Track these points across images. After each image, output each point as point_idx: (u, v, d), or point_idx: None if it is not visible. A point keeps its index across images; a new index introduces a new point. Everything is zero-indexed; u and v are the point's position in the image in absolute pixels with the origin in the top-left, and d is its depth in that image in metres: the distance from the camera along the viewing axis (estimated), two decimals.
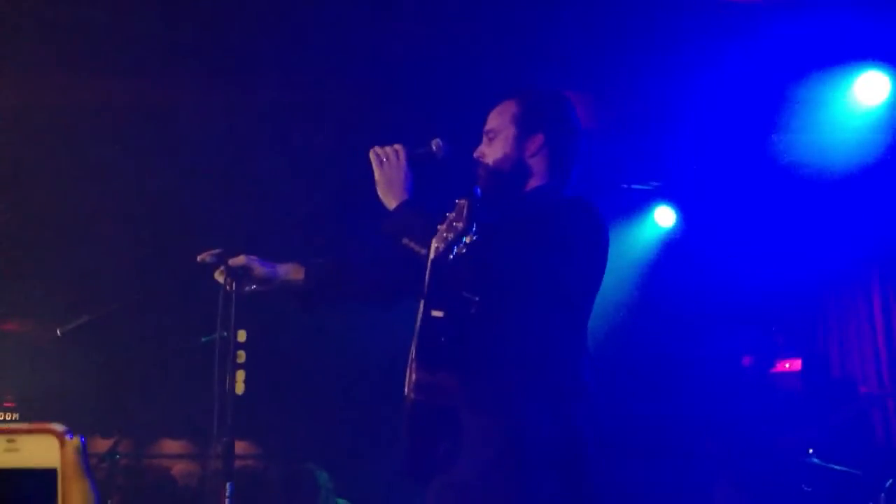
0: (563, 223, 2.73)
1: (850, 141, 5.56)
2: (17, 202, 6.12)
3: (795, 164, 5.79)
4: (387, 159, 2.84)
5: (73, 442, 0.79)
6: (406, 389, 2.73)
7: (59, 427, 0.82)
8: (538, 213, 2.79)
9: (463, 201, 2.33)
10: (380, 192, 2.83)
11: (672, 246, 6.89)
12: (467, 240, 2.31)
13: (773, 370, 6.59)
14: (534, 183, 2.93)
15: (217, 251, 2.96)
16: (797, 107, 5.44)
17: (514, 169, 2.91)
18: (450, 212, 2.37)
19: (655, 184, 6.86)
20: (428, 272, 2.50)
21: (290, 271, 3.03)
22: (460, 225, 2.31)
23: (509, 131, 2.93)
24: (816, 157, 5.67)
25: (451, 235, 2.34)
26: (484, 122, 3.02)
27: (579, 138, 3.00)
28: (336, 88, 5.37)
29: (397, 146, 2.87)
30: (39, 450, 0.79)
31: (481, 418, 2.64)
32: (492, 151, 2.94)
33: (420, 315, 2.61)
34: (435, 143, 2.94)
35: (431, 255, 2.43)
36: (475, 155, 2.98)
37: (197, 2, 4.70)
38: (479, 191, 2.37)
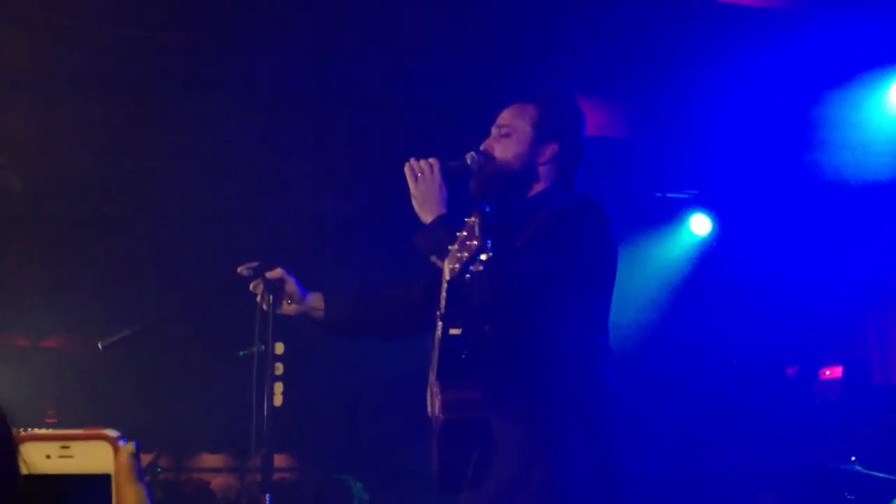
0: (570, 227, 2.75)
1: (886, 145, 5.51)
2: (54, 218, 6.19)
3: (831, 169, 5.74)
4: (422, 174, 2.83)
5: (127, 447, 0.81)
6: (430, 409, 2.75)
7: (112, 432, 0.83)
8: (545, 218, 2.80)
9: (473, 219, 2.30)
10: (415, 206, 2.82)
11: (708, 254, 6.85)
12: (483, 257, 2.27)
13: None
14: (539, 188, 2.94)
15: (254, 264, 2.99)
16: (833, 112, 5.39)
17: (524, 171, 2.92)
18: (460, 230, 2.35)
19: (691, 192, 6.82)
20: (444, 292, 2.49)
21: (315, 300, 3.05)
22: (474, 243, 2.27)
23: (526, 133, 2.93)
24: (853, 161, 5.61)
25: (465, 255, 2.30)
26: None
27: (586, 148, 3.02)
28: (366, 99, 5.40)
29: (432, 160, 2.85)
30: (93, 455, 0.80)
31: (510, 426, 2.65)
32: (503, 148, 2.93)
33: (438, 334, 2.61)
34: (469, 157, 2.93)
35: (447, 276, 2.40)
36: (482, 147, 2.95)
37: (233, 19, 4.75)
38: (487, 207, 2.33)
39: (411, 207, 2.85)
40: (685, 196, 6.85)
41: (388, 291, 3.15)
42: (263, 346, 3.01)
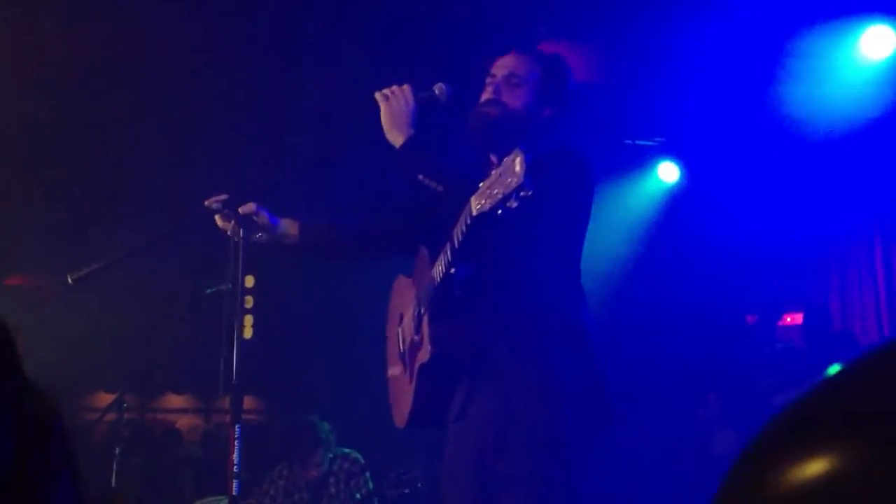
0: (556, 174, 2.76)
1: (855, 95, 5.54)
2: (20, 154, 6.11)
3: (800, 118, 5.77)
4: (392, 94, 2.86)
5: None
6: (401, 345, 2.79)
7: None
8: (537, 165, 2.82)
9: (517, 156, 2.25)
10: (385, 129, 2.85)
11: (676, 201, 6.90)
12: (523, 194, 2.24)
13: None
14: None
15: (223, 197, 2.98)
16: (802, 61, 5.41)
17: (528, 121, 2.94)
18: (495, 168, 2.33)
19: (659, 139, 6.85)
20: (463, 226, 2.48)
21: (288, 227, 3.06)
22: (512, 181, 2.24)
23: (535, 89, 2.96)
24: (821, 111, 5.65)
25: (499, 191, 2.27)
26: (491, 62, 3.02)
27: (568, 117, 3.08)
28: (339, 34, 5.36)
29: (404, 86, 2.89)
30: None
31: (500, 359, 2.70)
32: (514, 97, 2.95)
33: (440, 269, 2.64)
34: (438, 88, 2.95)
35: (474, 212, 2.38)
36: (493, 95, 2.95)
37: None
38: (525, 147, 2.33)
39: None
40: (654, 143, 6.87)
41: (366, 214, 3.17)
42: (230, 284, 3.01)
